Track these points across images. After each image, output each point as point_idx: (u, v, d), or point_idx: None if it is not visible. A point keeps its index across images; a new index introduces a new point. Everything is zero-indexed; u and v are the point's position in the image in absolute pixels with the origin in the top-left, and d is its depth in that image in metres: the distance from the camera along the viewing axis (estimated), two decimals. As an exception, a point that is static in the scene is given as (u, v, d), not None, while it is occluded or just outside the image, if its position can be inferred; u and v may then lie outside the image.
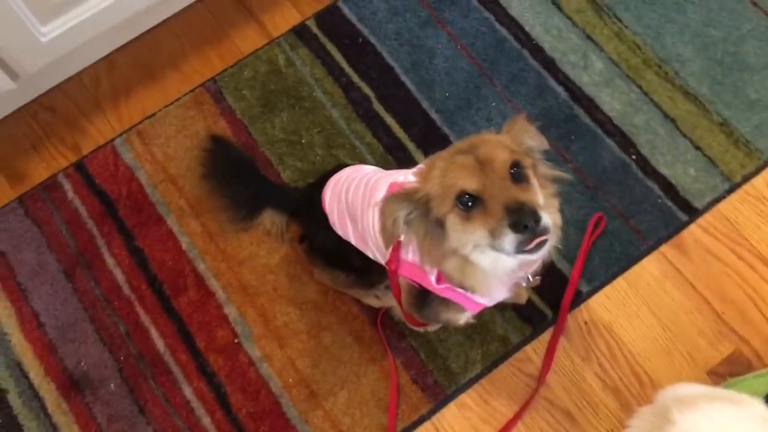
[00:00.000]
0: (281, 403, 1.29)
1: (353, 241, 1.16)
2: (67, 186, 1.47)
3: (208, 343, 1.34)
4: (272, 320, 1.36)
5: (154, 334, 1.35)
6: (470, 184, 0.88)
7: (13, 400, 1.30)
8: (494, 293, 1.03)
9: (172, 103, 1.53)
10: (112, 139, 1.51)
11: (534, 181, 0.93)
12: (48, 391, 1.31)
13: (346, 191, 1.15)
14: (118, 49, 1.60)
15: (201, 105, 1.53)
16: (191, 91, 1.55)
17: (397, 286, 1.12)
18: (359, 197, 1.12)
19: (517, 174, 0.90)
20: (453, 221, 0.91)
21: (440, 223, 0.92)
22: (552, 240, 0.96)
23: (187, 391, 1.30)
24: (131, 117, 1.54)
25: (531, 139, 0.98)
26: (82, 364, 1.32)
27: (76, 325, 1.35)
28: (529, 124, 0.98)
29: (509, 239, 0.86)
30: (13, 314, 1.37)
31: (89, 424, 1.28)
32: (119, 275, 1.39)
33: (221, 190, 1.32)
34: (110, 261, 1.40)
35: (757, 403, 1.12)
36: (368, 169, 1.20)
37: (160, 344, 1.34)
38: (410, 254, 1.05)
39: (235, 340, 1.34)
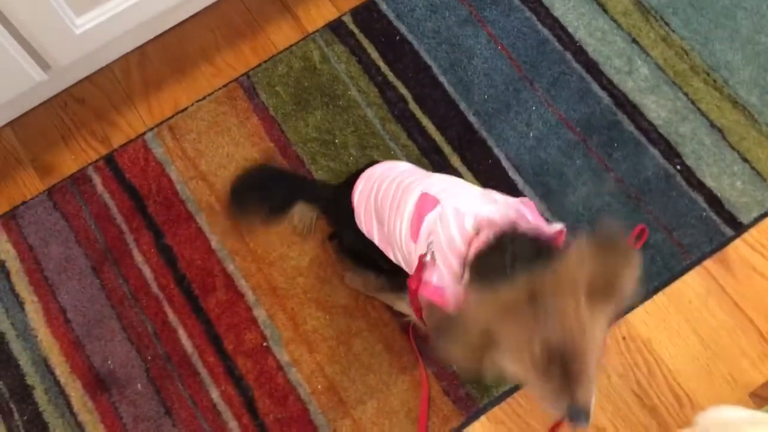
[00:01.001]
0: (309, 410, 1.27)
1: (377, 241, 1.13)
2: (97, 179, 1.45)
3: (237, 345, 1.31)
4: (302, 324, 1.33)
5: (182, 334, 1.32)
6: (533, 379, 0.77)
7: (39, 396, 1.29)
8: None
9: (204, 98, 1.50)
10: (143, 133, 1.48)
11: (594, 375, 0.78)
12: (74, 389, 1.29)
13: (377, 190, 1.12)
14: (149, 41, 1.57)
15: (234, 100, 1.50)
16: (224, 86, 1.51)
17: (418, 308, 1.06)
18: (389, 199, 1.09)
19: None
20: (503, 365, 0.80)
21: None
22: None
23: (215, 394, 1.28)
24: (162, 111, 1.51)
25: (625, 282, 0.77)
26: (109, 362, 1.31)
27: (103, 323, 1.33)
28: (634, 262, 0.77)
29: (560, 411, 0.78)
30: (39, 309, 1.35)
31: (115, 423, 1.27)
32: (147, 273, 1.37)
33: (252, 199, 1.26)
34: (138, 258, 1.38)
35: (807, 432, 1.07)
36: (403, 167, 1.17)
37: (188, 345, 1.32)
38: (435, 277, 0.99)
39: (264, 344, 1.31)
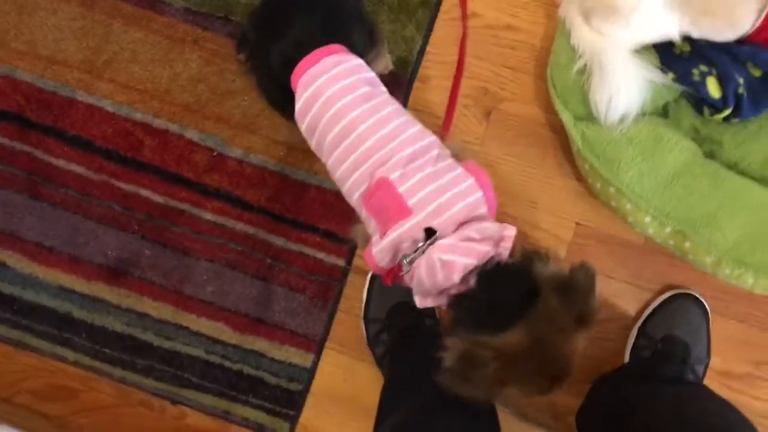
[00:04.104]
0: (287, 174, 1.38)
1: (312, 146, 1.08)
2: (-32, 129, 1.42)
3: (195, 170, 1.39)
4: (231, 118, 1.39)
5: (145, 193, 1.40)
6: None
7: (80, 313, 1.40)
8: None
9: (-8, -8, 1.41)
10: (-31, 62, 1.41)
11: None
12: (101, 290, 1.40)
13: (324, 124, 1.01)
14: None
15: (19, -25, 1.40)
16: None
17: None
18: (337, 149, 1.01)
19: None
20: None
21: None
22: None
23: (208, 216, 1.39)
24: (-33, 29, 1.42)
25: (594, 310, 0.90)
26: (109, 252, 1.39)
27: (78, 229, 1.40)
28: (595, 291, 0.89)
29: None
30: (20, 257, 1.41)
31: (152, 289, 1.39)
32: (78, 168, 1.40)
33: None
34: (61, 163, 1.40)
35: None
36: (358, 92, 1.01)
37: (156, 197, 1.39)
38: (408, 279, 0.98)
39: (214, 154, 1.39)
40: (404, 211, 0.95)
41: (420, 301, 0.98)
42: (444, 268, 0.92)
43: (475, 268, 0.91)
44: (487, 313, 0.90)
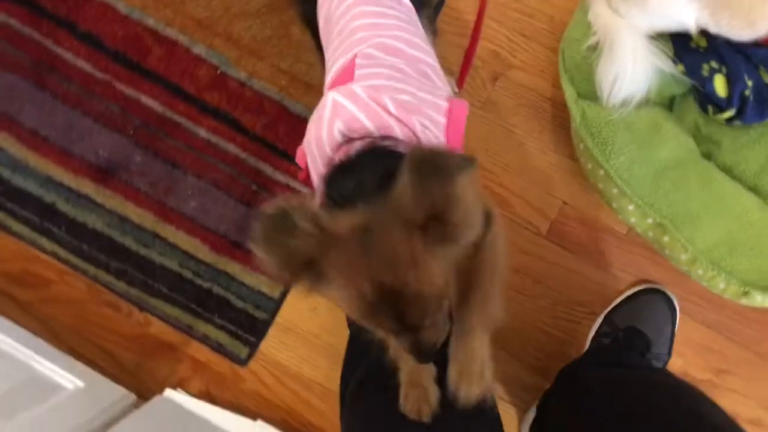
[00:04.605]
0: (286, 105, 1.39)
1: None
2: (-16, 7, 1.43)
3: (196, 85, 1.40)
4: (240, 40, 1.39)
5: (145, 100, 1.40)
6: (365, 318, 0.69)
7: (63, 206, 1.42)
8: None
9: None
10: (-6, -59, 1.42)
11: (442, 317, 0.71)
12: (87, 187, 1.41)
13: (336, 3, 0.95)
14: None
15: None
16: None
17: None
18: (336, 27, 0.91)
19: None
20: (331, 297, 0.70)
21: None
22: None
23: (202, 132, 1.40)
24: None
25: (460, 211, 0.63)
26: (101, 152, 1.41)
27: (75, 124, 1.41)
28: (466, 184, 0.62)
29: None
30: (14, 141, 1.42)
31: (137, 196, 1.41)
32: (84, 65, 1.41)
33: None
34: (68, 56, 1.41)
35: None
36: None
37: (155, 105, 1.40)
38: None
39: (218, 72, 1.39)
40: (346, 79, 0.79)
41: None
42: (333, 111, 0.75)
43: (367, 136, 0.73)
44: (342, 186, 0.72)
